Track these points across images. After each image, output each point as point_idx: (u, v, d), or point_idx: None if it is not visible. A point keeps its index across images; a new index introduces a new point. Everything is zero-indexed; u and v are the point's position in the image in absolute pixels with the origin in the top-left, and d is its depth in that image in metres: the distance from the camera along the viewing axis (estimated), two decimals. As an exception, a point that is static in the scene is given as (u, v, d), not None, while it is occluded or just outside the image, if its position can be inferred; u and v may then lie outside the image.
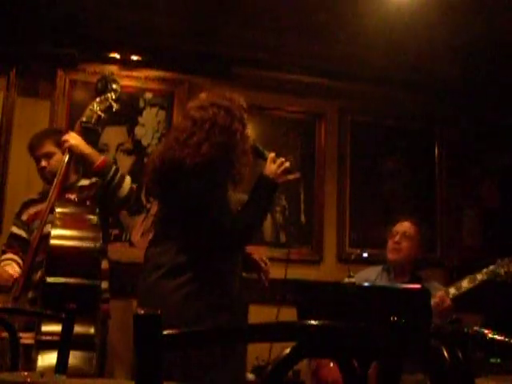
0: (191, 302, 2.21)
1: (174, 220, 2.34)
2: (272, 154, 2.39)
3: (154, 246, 2.36)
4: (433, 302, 3.02)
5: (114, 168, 3.02)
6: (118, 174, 3.01)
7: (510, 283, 3.08)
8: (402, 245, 3.37)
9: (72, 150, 3.00)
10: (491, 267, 3.09)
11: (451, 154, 4.75)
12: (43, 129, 3.39)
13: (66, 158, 3.00)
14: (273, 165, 2.35)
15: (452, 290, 3.13)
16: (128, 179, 3.05)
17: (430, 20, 3.82)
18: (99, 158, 3.02)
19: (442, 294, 3.10)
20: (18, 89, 4.03)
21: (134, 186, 3.11)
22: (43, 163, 3.12)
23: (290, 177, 2.39)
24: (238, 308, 2.36)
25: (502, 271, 3.06)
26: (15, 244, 3.15)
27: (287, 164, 2.36)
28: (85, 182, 3.17)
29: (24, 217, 3.18)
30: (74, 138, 3.01)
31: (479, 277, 3.10)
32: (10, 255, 3.09)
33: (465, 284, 3.12)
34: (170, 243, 2.29)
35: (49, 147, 3.13)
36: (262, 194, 2.34)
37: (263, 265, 2.52)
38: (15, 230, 3.20)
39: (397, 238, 3.37)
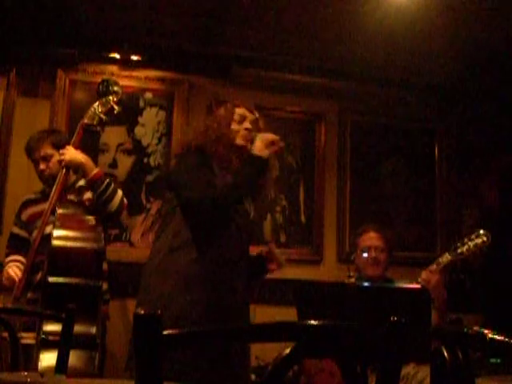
0: (181, 293, 2.20)
1: (171, 208, 2.38)
2: (259, 134, 2.41)
3: (156, 238, 2.39)
4: (420, 280, 3.03)
5: (106, 182, 2.98)
6: (110, 188, 2.97)
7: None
8: (380, 258, 3.39)
9: (68, 165, 2.99)
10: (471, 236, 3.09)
11: (451, 153, 4.75)
12: (39, 131, 3.34)
13: (64, 171, 2.98)
14: (258, 142, 2.37)
15: (433, 267, 3.07)
16: (119, 194, 3.02)
17: (429, 20, 3.82)
18: (93, 170, 2.98)
19: (427, 272, 3.06)
20: (18, 89, 4.02)
21: (126, 201, 3.08)
22: (42, 166, 3.10)
23: (275, 147, 2.39)
24: (235, 307, 2.34)
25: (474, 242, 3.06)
26: (18, 244, 3.16)
27: (270, 136, 2.38)
28: (84, 182, 3.16)
29: (23, 217, 3.18)
30: (68, 154, 2.98)
31: (460, 250, 3.08)
32: (16, 256, 3.10)
33: (445, 257, 3.10)
34: (167, 230, 2.33)
35: (46, 150, 3.11)
36: (245, 169, 2.35)
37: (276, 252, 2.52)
38: (16, 230, 3.21)
39: (374, 254, 3.38)
